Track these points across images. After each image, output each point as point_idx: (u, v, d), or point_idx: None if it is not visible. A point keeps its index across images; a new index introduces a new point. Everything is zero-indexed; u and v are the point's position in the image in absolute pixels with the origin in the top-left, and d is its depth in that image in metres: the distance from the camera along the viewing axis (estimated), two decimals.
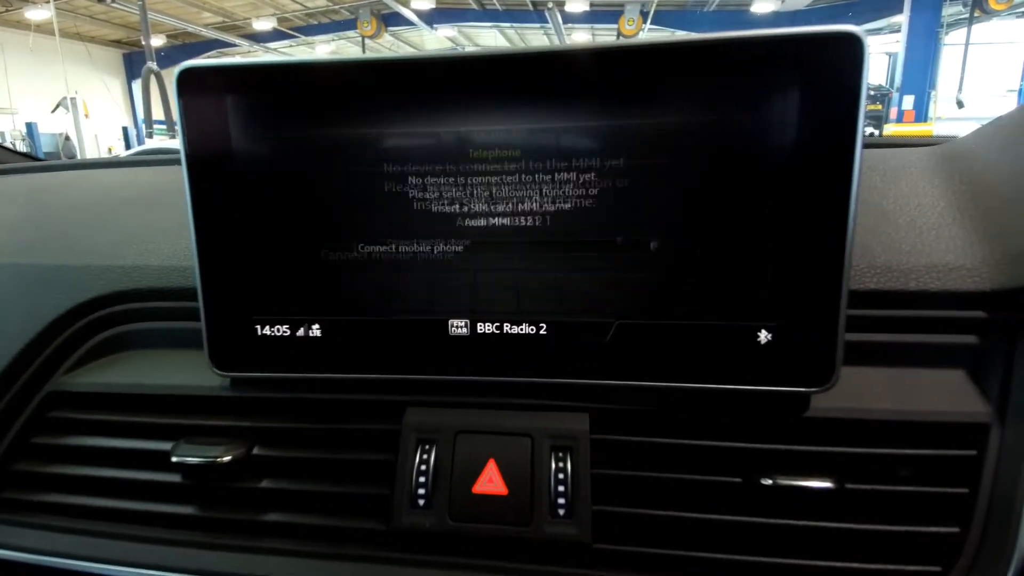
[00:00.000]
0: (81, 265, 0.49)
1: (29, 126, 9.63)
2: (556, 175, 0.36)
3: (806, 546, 0.35)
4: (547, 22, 10.89)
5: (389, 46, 12.90)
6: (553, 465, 0.37)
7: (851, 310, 0.35)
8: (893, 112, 8.89)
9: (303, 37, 12.86)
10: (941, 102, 9.31)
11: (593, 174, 0.36)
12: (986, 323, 0.38)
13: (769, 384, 0.36)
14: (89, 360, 0.47)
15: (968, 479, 0.35)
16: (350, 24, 11.86)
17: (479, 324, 0.39)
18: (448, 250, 0.38)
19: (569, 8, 10.45)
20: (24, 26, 10.18)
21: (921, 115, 8.85)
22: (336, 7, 11.60)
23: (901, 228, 0.42)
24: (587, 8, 10.50)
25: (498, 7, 10.77)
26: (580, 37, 12.10)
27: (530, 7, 10.67)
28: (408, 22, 11.14)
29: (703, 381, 0.37)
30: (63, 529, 0.41)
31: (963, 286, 0.38)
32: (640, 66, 0.34)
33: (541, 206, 0.37)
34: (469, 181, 0.37)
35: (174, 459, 0.40)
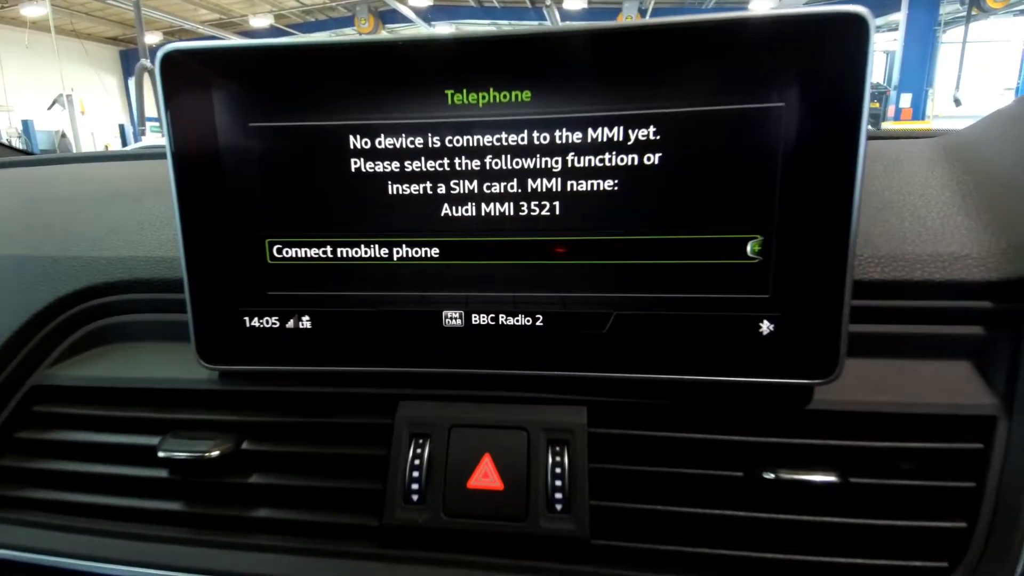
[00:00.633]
0: (66, 256, 0.48)
1: (25, 123, 9.59)
2: (542, 164, 0.35)
3: (809, 542, 0.34)
4: (545, 19, 10.88)
5: None
6: (550, 459, 0.37)
7: (855, 301, 0.34)
8: (891, 110, 8.90)
9: (300, 35, 12.84)
10: (938, 100, 9.33)
11: (588, 161, 0.35)
12: (992, 314, 0.37)
13: (771, 376, 0.35)
14: (74, 353, 0.46)
15: (975, 473, 0.35)
16: (347, 21, 11.85)
17: (473, 316, 0.38)
18: (440, 241, 0.37)
19: (567, 6, 10.44)
20: (20, 23, 10.13)
21: (918, 113, 8.86)
22: (333, 4, 11.57)
23: (905, 217, 0.41)
24: (585, 5, 10.49)
25: (496, 4, 10.76)
26: None
27: (528, 4, 10.65)
28: (406, 19, 11.12)
29: (704, 373, 0.36)
30: (48, 526, 0.40)
31: (969, 276, 0.37)
32: (639, 50, 0.33)
33: (534, 197, 0.36)
34: (466, 172, 0.36)
35: (161, 454, 0.39)
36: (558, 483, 0.36)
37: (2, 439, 0.44)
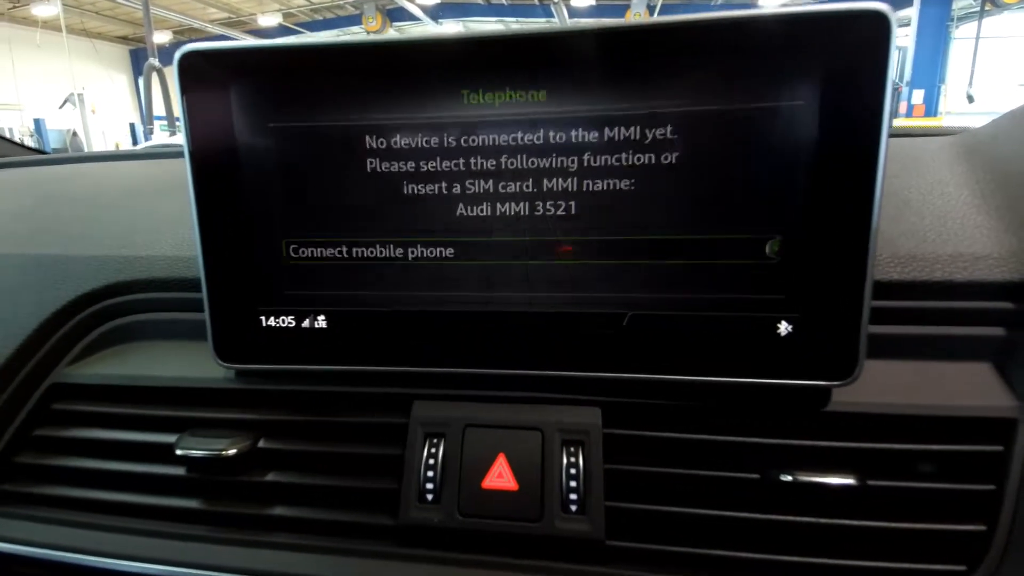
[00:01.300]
0: (84, 256, 0.49)
1: (37, 122, 9.68)
2: (558, 163, 0.35)
3: (826, 544, 0.34)
4: (552, 16, 10.84)
5: None
6: (564, 460, 0.37)
7: (874, 301, 0.34)
8: (903, 107, 8.81)
9: (308, 33, 12.87)
10: (951, 97, 9.23)
11: (605, 160, 0.34)
12: (1013, 315, 0.37)
13: (789, 378, 0.35)
14: (92, 351, 0.47)
15: (994, 476, 0.34)
16: (355, 19, 11.87)
17: (488, 315, 0.38)
18: (455, 241, 0.37)
19: (575, 3, 10.40)
20: (31, 22, 10.22)
21: (931, 110, 8.77)
22: (341, 2, 11.59)
23: (925, 217, 0.41)
24: (593, 2, 10.45)
25: (503, 1, 10.73)
26: None
27: (536, 1, 10.62)
28: (413, 17, 11.12)
29: (720, 375, 0.36)
30: (66, 522, 0.41)
31: (990, 276, 0.37)
32: (655, 48, 0.33)
33: (550, 196, 0.36)
34: (482, 171, 0.36)
35: (178, 452, 0.39)
36: (573, 484, 0.36)
37: (21, 436, 0.44)
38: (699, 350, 0.36)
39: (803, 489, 0.34)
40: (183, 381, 0.43)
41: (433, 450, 0.38)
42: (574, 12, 10.85)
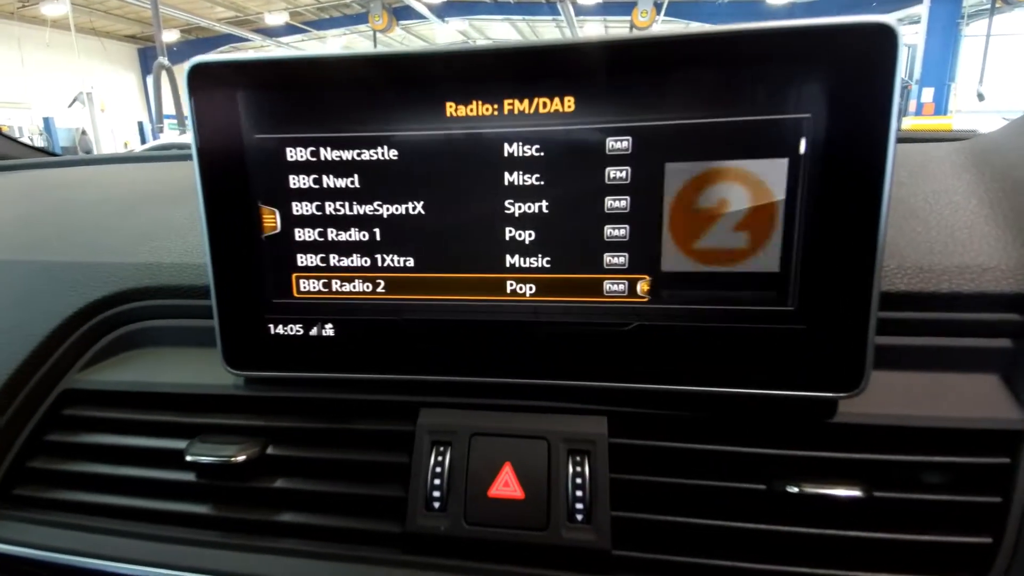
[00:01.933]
0: (95, 262, 0.49)
1: (46, 121, 9.75)
2: (573, 174, 0.35)
3: (832, 556, 0.34)
4: (559, 14, 10.82)
5: (400, 40, 12.90)
6: (570, 469, 0.37)
7: (881, 312, 0.34)
8: (912, 105, 8.74)
9: (315, 31, 12.90)
10: (961, 95, 9.15)
11: (609, 173, 0.35)
12: (1021, 327, 0.37)
13: (795, 389, 0.35)
14: (103, 358, 0.47)
15: (1001, 487, 0.34)
16: (362, 18, 11.88)
17: (495, 325, 0.38)
18: (464, 247, 0.37)
19: (581, 1, 10.37)
20: (40, 21, 10.29)
21: (941, 108, 8.70)
22: (348, 1, 11.60)
23: (932, 227, 0.41)
24: (600, 0, 10.41)
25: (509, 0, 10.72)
26: (592, 29, 12.01)
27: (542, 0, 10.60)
28: (419, 15, 11.12)
29: (726, 385, 0.36)
30: (77, 527, 0.41)
31: (998, 288, 0.37)
32: (658, 60, 0.33)
33: (556, 206, 0.36)
34: (491, 185, 0.36)
35: (188, 458, 0.40)
36: (579, 493, 0.36)
37: (33, 441, 0.45)
38: (705, 360, 0.36)
39: (809, 500, 0.34)
40: (193, 388, 0.43)
41: (440, 458, 0.38)
42: (580, 10, 10.82)
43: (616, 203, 0.35)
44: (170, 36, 11.93)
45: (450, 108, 0.35)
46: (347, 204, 0.38)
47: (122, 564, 0.39)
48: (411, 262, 0.38)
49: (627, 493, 0.37)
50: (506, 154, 0.35)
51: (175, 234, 0.51)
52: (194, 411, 0.43)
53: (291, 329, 0.40)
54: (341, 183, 0.38)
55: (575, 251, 0.36)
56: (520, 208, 0.36)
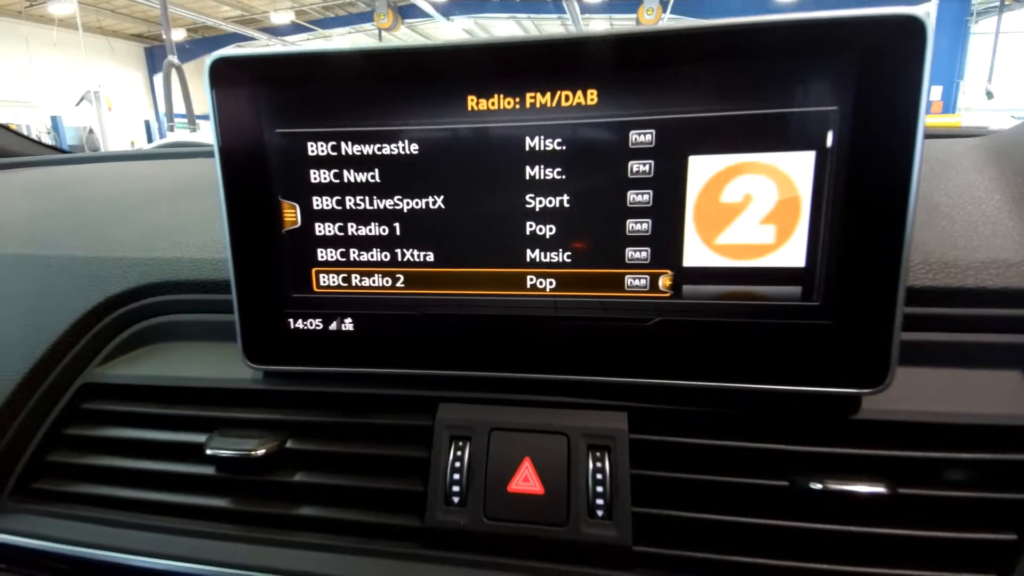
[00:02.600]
0: (114, 257, 0.49)
1: (54, 119, 9.80)
2: (595, 167, 0.35)
3: (855, 553, 0.34)
4: (564, 12, 10.79)
5: (405, 39, 12.90)
6: (591, 465, 0.37)
7: (906, 308, 0.34)
8: None
9: (320, 30, 12.92)
10: (969, 93, 9.08)
11: (632, 166, 0.34)
12: None
13: (819, 385, 0.35)
14: (122, 352, 0.47)
15: None
16: (367, 16, 11.89)
17: (514, 319, 0.38)
18: (483, 242, 0.37)
19: None
20: (48, 20, 10.34)
21: (949, 106, 8.65)
22: None
23: (956, 222, 0.40)
24: None
25: None
26: (598, 27, 11.98)
27: None
28: (424, 14, 11.12)
29: (749, 381, 0.36)
30: (95, 520, 0.41)
31: (1023, 283, 0.36)
32: (683, 52, 0.33)
33: (578, 200, 0.36)
34: (512, 179, 0.36)
35: (208, 452, 0.40)
36: (599, 489, 0.36)
37: (53, 435, 0.45)
38: (727, 356, 0.36)
39: (832, 497, 0.34)
40: (212, 382, 0.43)
41: (459, 453, 0.38)
42: (585, 8, 10.79)
43: (639, 197, 0.35)
44: (177, 35, 11.98)
45: (471, 102, 0.35)
46: (367, 199, 0.38)
47: (140, 557, 0.39)
48: (431, 257, 0.38)
49: (648, 489, 0.36)
50: (527, 148, 0.35)
51: (192, 229, 0.51)
52: (214, 405, 0.43)
53: (311, 324, 0.40)
54: (361, 178, 0.38)
55: (596, 246, 0.36)
56: (541, 202, 0.36)
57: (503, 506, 0.37)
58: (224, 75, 0.37)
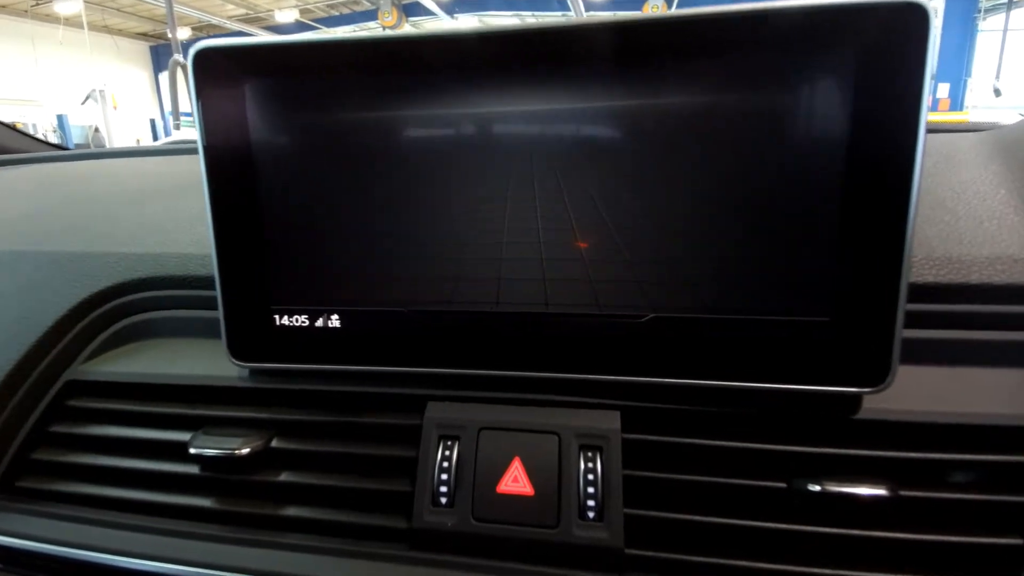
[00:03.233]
0: (100, 252, 0.49)
1: (60, 118, 9.85)
2: (585, 156, 0.34)
3: (855, 557, 0.33)
4: (568, 9, 10.77)
5: None
6: (582, 465, 0.36)
7: (908, 305, 0.32)
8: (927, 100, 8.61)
9: (325, 29, 12.94)
10: (977, 90, 9.02)
11: (631, 155, 0.33)
12: None
13: (819, 384, 0.34)
14: (108, 348, 0.47)
15: None
16: (371, 15, 11.91)
17: (504, 316, 0.37)
18: (473, 237, 0.36)
19: None
20: (54, 19, 10.39)
21: (956, 103, 8.59)
22: None
23: (960, 217, 0.39)
24: None
25: None
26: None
27: None
28: (429, 11, 11.12)
29: (745, 380, 0.35)
30: (79, 519, 0.41)
31: None
32: (679, 41, 0.32)
33: (570, 191, 0.35)
34: (499, 166, 0.35)
35: (192, 450, 0.39)
36: (591, 490, 0.35)
37: (37, 433, 0.44)
38: (723, 354, 0.35)
39: (832, 499, 0.33)
40: (197, 379, 0.43)
41: (447, 452, 0.37)
42: (590, 6, 10.77)
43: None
44: (182, 33, 12.02)
45: (467, 93, 0.34)
46: (356, 193, 0.37)
47: (124, 558, 0.38)
48: (415, 249, 0.37)
49: (641, 490, 0.35)
50: (520, 143, 0.34)
51: (183, 225, 0.50)
52: (198, 403, 0.42)
53: (296, 320, 0.39)
54: (349, 170, 0.37)
55: (592, 241, 0.35)
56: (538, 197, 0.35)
57: (492, 507, 0.36)
58: (208, 66, 0.36)
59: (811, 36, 0.30)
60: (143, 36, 13.52)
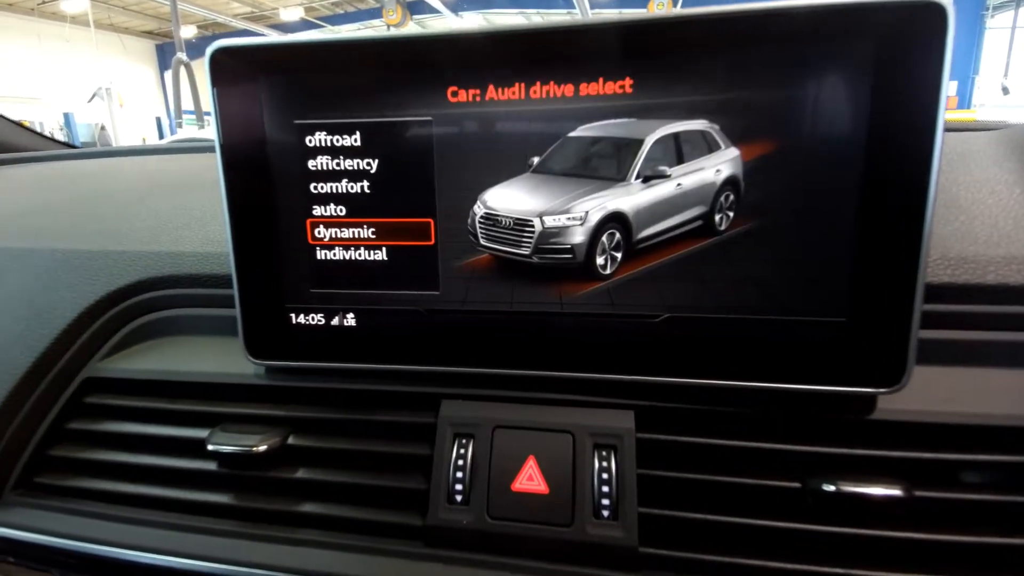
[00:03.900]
0: (117, 251, 0.49)
1: (66, 116, 9.89)
2: (600, 156, 0.34)
3: (870, 557, 0.33)
4: (573, 7, 10.74)
5: None
6: (596, 464, 0.36)
7: (924, 305, 0.32)
8: None
9: (329, 27, 12.95)
10: (985, 88, 8.96)
11: (645, 153, 0.34)
12: None
13: (834, 384, 0.34)
14: (125, 346, 0.47)
15: None
16: (375, 13, 11.91)
17: (518, 315, 0.37)
18: (490, 235, 0.36)
19: None
20: (60, 17, 10.43)
21: (964, 101, 8.54)
22: None
23: (975, 217, 0.39)
24: None
25: None
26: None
27: None
28: (433, 9, 11.11)
29: (760, 380, 0.35)
30: (98, 515, 0.41)
31: None
32: (694, 39, 0.32)
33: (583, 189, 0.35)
34: (511, 164, 0.35)
35: (210, 447, 0.39)
36: (605, 489, 0.35)
37: (55, 430, 0.45)
38: (737, 353, 0.35)
39: (846, 499, 0.33)
40: (214, 376, 0.43)
41: (462, 451, 0.37)
42: (594, 3, 10.73)
43: None
44: (187, 32, 12.05)
45: (487, 91, 0.34)
46: (372, 191, 0.37)
47: (141, 552, 0.39)
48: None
49: (655, 489, 0.36)
50: (527, 136, 0.34)
51: (196, 223, 0.51)
52: (216, 400, 0.43)
53: (312, 319, 0.40)
54: (365, 169, 0.37)
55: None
56: None
57: (507, 505, 0.36)
58: (225, 65, 0.36)
59: (829, 35, 0.30)
60: (149, 34, 13.55)
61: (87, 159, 0.76)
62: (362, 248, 0.38)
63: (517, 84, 0.34)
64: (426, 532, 0.37)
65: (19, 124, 0.94)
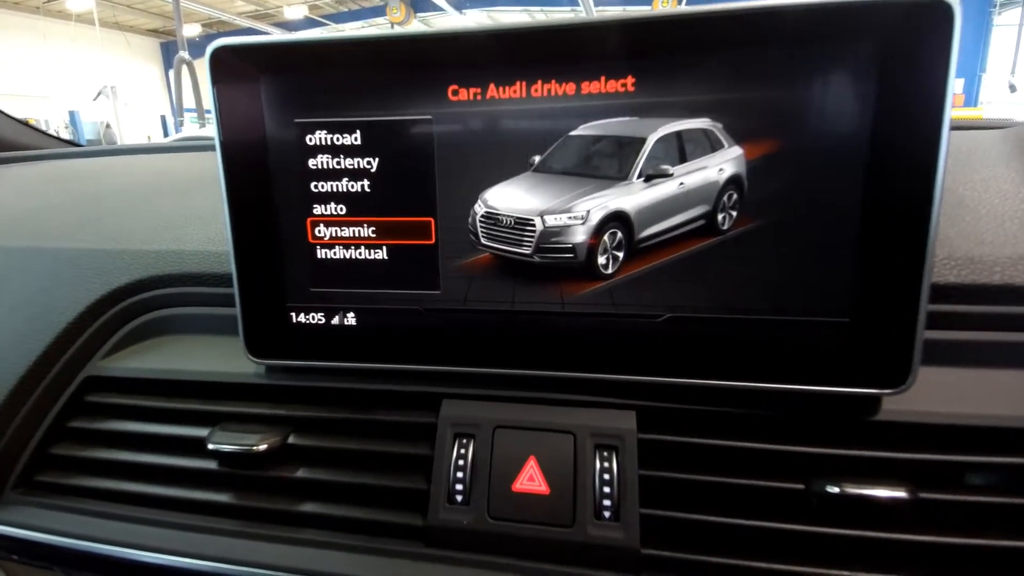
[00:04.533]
0: (118, 250, 0.49)
1: (72, 114, 9.92)
2: (602, 155, 0.34)
3: (874, 559, 0.33)
4: (577, 4, 10.71)
5: None
6: (598, 464, 0.36)
7: (929, 305, 0.32)
8: None
9: (333, 25, 12.95)
10: (991, 86, 8.90)
11: (648, 151, 0.33)
12: None
13: (838, 385, 0.33)
14: (126, 345, 0.47)
15: None
16: (380, 11, 11.90)
17: (519, 315, 0.37)
18: (491, 235, 0.36)
19: None
20: (66, 16, 10.46)
21: (971, 99, 8.48)
22: None
23: (982, 216, 0.39)
24: None
25: None
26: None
27: None
28: (437, 7, 11.10)
29: (763, 380, 0.34)
30: (97, 513, 0.41)
31: None
32: (698, 37, 0.31)
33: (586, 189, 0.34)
34: (512, 163, 0.35)
35: (210, 446, 0.39)
36: (606, 489, 0.35)
37: (56, 428, 0.45)
38: (740, 354, 0.35)
39: (850, 501, 0.32)
40: (215, 376, 0.43)
41: (463, 451, 0.37)
42: (600, 0, 10.70)
43: None
44: (192, 30, 12.09)
45: (490, 90, 0.34)
46: (372, 190, 0.37)
47: (141, 551, 0.39)
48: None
49: (657, 490, 0.35)
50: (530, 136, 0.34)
51: (197, 222, 0.51)
52: (216, 399, 0.43)
53: (312, 318, 0.40)
54: (365, 167, 0.37)
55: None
56: None
57: (507, 506, 0.36)
58: (225, 64, 0.36)
59: (834, 33, 0.30)
60: (154, 32, 13.59)
61: (88, 158, 0.76)
62: (362, 247, 0.38)
63: (518, 82, 0.33)
64: (426, 532, 0.37)
65: (24, 122, 0.94)
